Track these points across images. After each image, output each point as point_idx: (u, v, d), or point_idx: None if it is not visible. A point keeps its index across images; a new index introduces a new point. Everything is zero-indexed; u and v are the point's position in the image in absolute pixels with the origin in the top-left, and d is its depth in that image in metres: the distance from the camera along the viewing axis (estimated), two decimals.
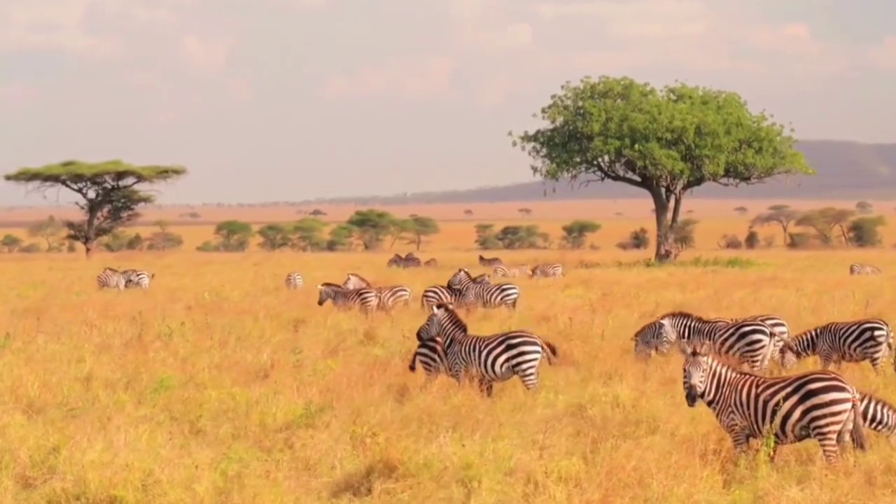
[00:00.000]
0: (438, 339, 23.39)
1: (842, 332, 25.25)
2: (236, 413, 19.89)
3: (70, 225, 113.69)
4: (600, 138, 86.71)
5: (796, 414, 16.21)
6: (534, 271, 66.56)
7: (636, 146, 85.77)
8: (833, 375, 16.53)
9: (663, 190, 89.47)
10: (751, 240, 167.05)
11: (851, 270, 69.38)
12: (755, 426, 16.43)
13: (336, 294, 42.92)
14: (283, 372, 24.50)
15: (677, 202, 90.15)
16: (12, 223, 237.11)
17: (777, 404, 16.28)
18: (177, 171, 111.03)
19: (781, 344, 25.47)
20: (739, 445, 16.54)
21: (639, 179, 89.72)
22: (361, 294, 42.41)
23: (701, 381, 16.58)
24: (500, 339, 23.00)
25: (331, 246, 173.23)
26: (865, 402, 17.26)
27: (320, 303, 42.72)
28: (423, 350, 23.55)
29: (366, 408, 19.17)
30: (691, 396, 16.61)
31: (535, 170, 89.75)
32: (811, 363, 25.50)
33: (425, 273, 69.74)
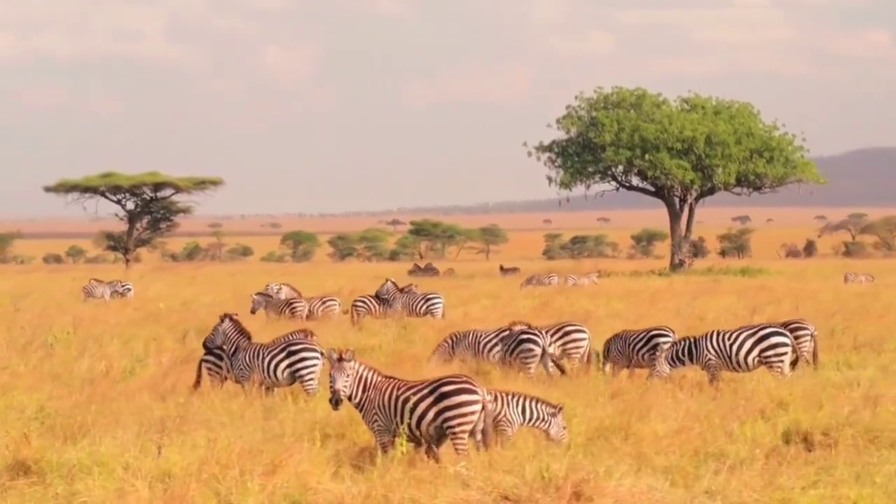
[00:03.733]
0: (224, 347, 24.56)
1: (631, 339, 26.11)
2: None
3: (109, 236, 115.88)
4: (612, 148, 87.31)
5: (430, 414, 17.19)
6: (528, 281, 67.29)
7: (647, 156, 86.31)
8: (464, 379, 17.49)
9: (677, 200, 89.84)
10: (808, 248, 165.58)
11: (846, 279, 69.45)
12: (396, 425, 17.38)
13: (267, 303, 44.28)
14: (106, 379, 25.83)
15: (691, 212, 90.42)
16: (93, 234, 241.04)
17: (414, 405, 17.24)
18: (214, 182, 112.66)
19: (582, 350, 26.42)
20: (383, 444, 17.50)
21: (652, 189, 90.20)
22: (290, 304, 43.66)
23: (345, 386, 17.57)
24: (282, 346, 24.17)
25: (393, 256, 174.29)
26: (522, 401, 18.30)
27: (253, 311, 44.06)
28: (209, 358, 24.78)
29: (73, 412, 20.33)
30: (334, 400, 17.60)
31: (550, 180, 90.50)
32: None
33: (439, 283, 70.76)
